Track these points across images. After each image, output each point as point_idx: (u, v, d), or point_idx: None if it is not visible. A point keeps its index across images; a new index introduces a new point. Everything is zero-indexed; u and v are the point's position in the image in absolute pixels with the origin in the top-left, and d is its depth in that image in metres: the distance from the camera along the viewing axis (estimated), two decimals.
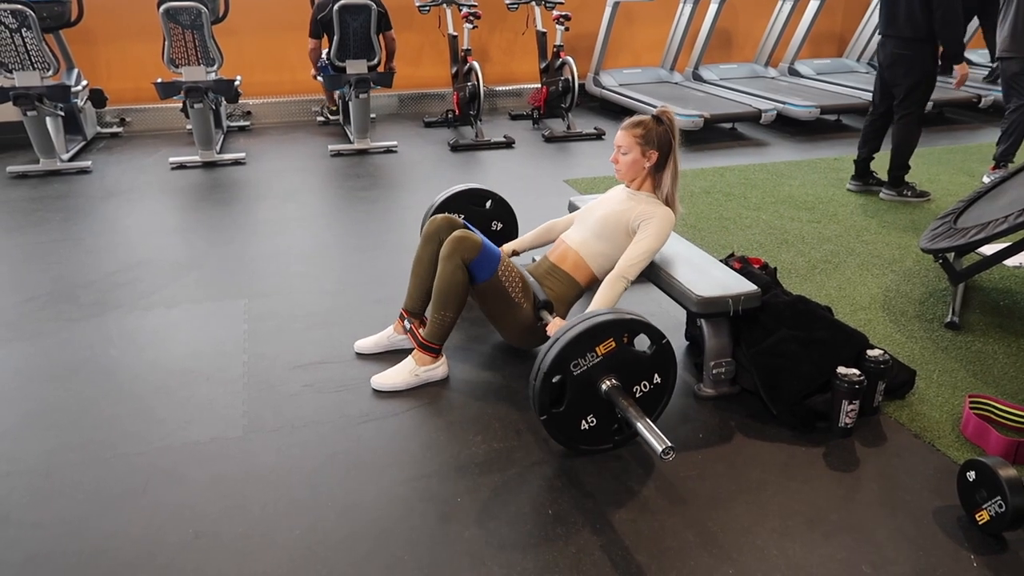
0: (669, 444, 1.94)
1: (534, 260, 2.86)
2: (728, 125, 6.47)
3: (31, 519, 2.01)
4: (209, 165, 5.47)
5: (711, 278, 2.58)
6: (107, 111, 6.45)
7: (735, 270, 2.74)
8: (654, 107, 6.13)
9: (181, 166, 5.44)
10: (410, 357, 2.63)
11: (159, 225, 4.25)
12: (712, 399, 2.56)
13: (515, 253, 3.01)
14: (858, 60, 8.08)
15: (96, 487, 2.13)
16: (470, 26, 6.18)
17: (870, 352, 2.40)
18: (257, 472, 2.19)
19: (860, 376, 2.29)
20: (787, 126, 6.50)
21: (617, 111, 7.12)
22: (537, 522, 1.99)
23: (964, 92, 6.76)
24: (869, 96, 6.50)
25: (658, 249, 2.61)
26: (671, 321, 3.00)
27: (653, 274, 2.72)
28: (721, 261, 2.82)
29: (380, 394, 2.58)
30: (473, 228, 2.70)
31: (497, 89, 7.58)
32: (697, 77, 7.57)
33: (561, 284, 2.68)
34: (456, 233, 2.50)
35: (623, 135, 2.65)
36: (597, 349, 2.14)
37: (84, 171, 5.29)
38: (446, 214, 2.81)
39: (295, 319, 3.10)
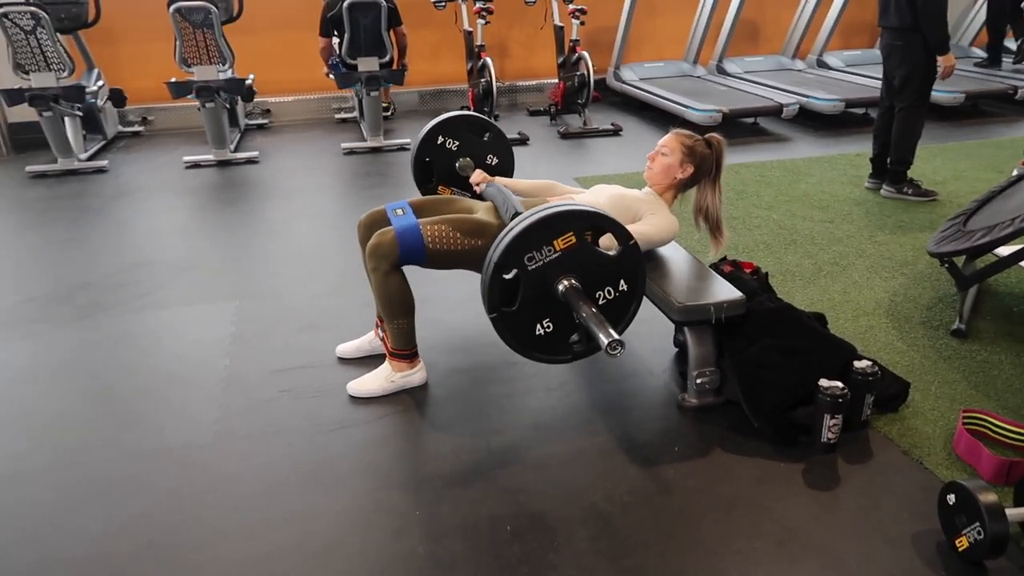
0: (616, 337, 1.80)
1: None
2: (750, 120, 6.31)
3: None
4: (223, 164, 5.51)
5: (694, 284, 2.49)
6: (131, 110, 6.56)
7: (724, 274, 2.64)
8: (675, 102, 6.06)
9: (195, 165, 5.49)
10: (386, 363, 2.59)
11: (165, 225, 4.28)
12: (695, 409, 2.47)
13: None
14: None
15: (59, 493, 2.13)
16: (483, 22, 6.11)
17: (857, 363, 2.29)
18: (220, 480, 2.17)
19: (843, 389, 2.18)
20: (811, 120, 6.31)
21: (637, 106, 7.00)
22: (493, 539, 1.94)
23: (999, 83, 6.50)
24: None
25: (652, 240, 2.50)
26: (664, 326, 2.90)
27: None
28: (711, 266, 2.73)
29: (356, 400, 2.55)
30: (393, 209, 2.56)
31: (517, 84, 7.51)
32: (721, 70, 7.40)
33: None
34: (369, 244, 2.39)
35: (671, 138, 2.60)
36: (555, 243, 1.95)
37: (100, 170, 5.37)
38: (367, 213, 2.66)
39: (283, 322, 3.09)
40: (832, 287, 3.28)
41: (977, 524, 1.78)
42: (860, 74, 7.09)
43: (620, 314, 2.12)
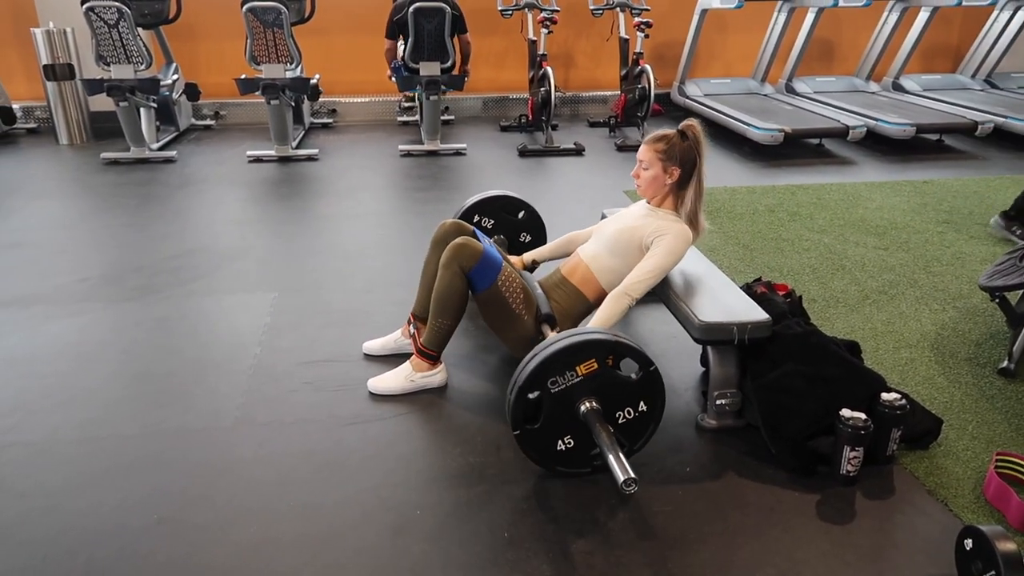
0: (632, 476, 1.85)
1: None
2: (815, 141, 6.14)
3: (18, 488, 2.12)
4: (284, 160, 5.67)
5: (720, 303, 2.43)
6: (204, 104, 6.82)
7: (756, 295, 2.58)
8: (737, 119, 5.96)
9: (258, 159, 5.67)
10: (408, 362, 2.62)
11: (220, 215, 4.43)
12: (714, 431, 2.42)
13: (534, 263, 2.95)
14: (973, 77, 7.49)
15: (84, 464, 2.23)
16: (546, 31, 6.13)
17: (885, 395, 2.20)
18: (233, 465, 2.23)
19: (866, 420, 2.10)
20: (880, 144, 6.10)
21: (701, 122, 6.88)
22: (490, 544, 1.93)
23: None
24: (977, 116, 6.08)
25: (669, 267, 2.49)
26: (693, 345, 2.85)
27: (663, 294, 2.60)
28: (744, 286, 2.66)
29: (375, 397, 2.58)
30: (482, 235, 2.67)
31: (581, 95, 7.50)
32: (790, 89, 7.24)
33: (568, 297, 2.60)
34: (457, 240, 2.47)
35: (645, 149, 2.55)
36: (578, 369, 2.06)
37: (169, 160, 5.60)
38: (456, 219, 2.79)
39: (316, 315, 3.16)
40: (876, 316, 3.16)
41: (993, 572, 1.68)
42: (937, 99, 6.83)
43: (639, 433, 2.20)
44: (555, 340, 2.07)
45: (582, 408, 2.07)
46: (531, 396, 2.06)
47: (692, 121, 2.55)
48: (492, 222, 3.22)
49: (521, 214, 3.26)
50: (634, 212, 2.64)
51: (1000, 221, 4.14)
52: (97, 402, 2.54)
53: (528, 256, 2.95)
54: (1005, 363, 2.75)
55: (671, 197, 2.58)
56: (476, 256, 2.43)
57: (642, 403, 2.15)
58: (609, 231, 2.61)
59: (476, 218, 3.17)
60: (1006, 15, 7.06)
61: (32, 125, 6.53)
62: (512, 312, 2.49)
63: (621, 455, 1.92)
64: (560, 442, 2.13)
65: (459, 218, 3.10)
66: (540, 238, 3.29)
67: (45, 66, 5.91)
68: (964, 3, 6.48)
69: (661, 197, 2.57)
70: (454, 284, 2.45)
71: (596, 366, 2.07)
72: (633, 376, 2.13)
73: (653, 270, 2.45)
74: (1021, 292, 2.87)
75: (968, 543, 1.77)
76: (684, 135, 2.51)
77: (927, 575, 1.85)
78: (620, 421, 2.14)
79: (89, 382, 2.66)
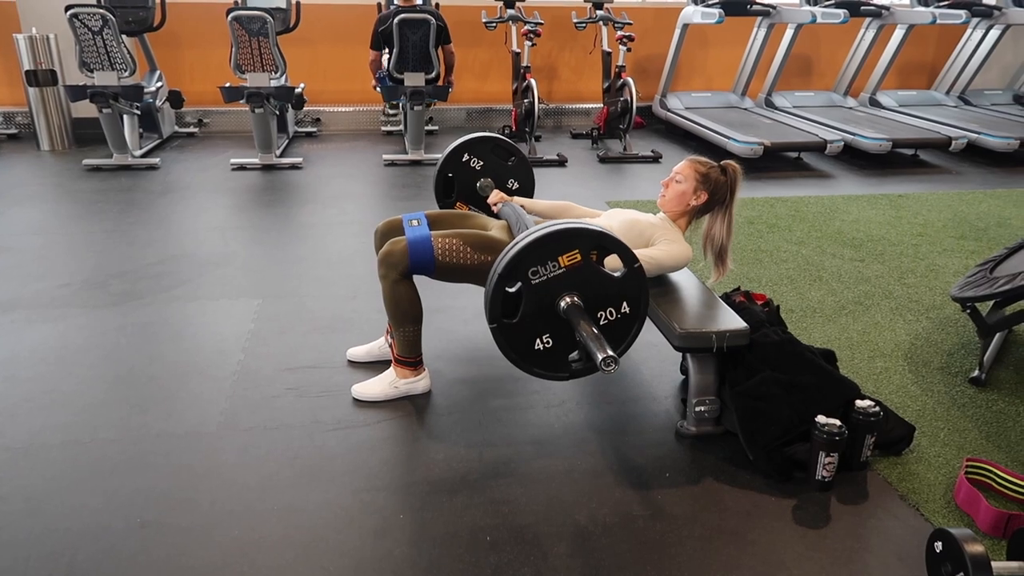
0: (611, 354, 1.83)
1: None
2: (793, 154, 6.25)
3: (0, 492, 2.11)
4: (267, 168, 5.68)
5: (699, 312, 2.48)
6: (188, 112, 6.81)
7: (735, 304, 2.63)
8: (718, 132, 6.04)
9: (241, 167, 5.67)
10: (391, 368, 2.64)
11: (204, 222, 4.43)
12: (693, 437, 2.46)
13: (523, 208, 2.83)
14: (947, 93, 7.66)
15: (66, 468, 2.22)
16: (530, 43, 6.20)
17: (859, 403, 2.25)
18: (217, 469, 2.24)
19: (840, 427, 2.15)
20: (857, 158, 6.22)
21: (681, 135, 6.99)
22: (471, 548, 1.95)
23: None
24: (952, 131, 6.21)
25: (662, 265, 2.52)
26: (671, 353, 2.89)
27: None
28: (723, 295, 2.72)
29: (358, 403, 2.60)
30: (409, 219, 2.60)
31: (564, 107, 7.57)
32: (769, 104, 7.36)
33: None
34: (380, 252, 2.45)
35: (686, 165, 2.60)
36: (560, 259, 1.98)
37: (152, 167, 5.59)
38: (383, 221, 2.72)
39: (300, 322, 3.17)
40: (852, 326, 3.23)
41: (961, 574, 1.73)
42: (912, 115, 6.97)
43: (621, 335, 2.13)
44: (538, 228, 2.01)
45: (563, 303, 2.00)
46: (510, 288, 2.00)
47: (734, 163, 2.61)
48: (481, 163, 3.10)
49: (511, 160, 3.14)
50: (650, 215, 2.66)
51: None
52: (79, 406, 2.54)
53: (519, 200, 2.85)
54: (976, 372, 2.82)
55: (686, 218, 2.63)
56: (404, 253, 2.40)
57: (625, 304, 2.08)
58: (623, 217, 2.62)
59: (465, 156, 3.06)
60: (979, 33, 7.24)
61: (13, 131, 6.49)
62: (470, 266, 2.44)
63: (602, 339, 1.89)
64: (539, 340, 2.05)
65: (447, 158, 3.03)
66: (527, 187, 3.18)
67: (27, 72, 5.88)
68: (938, 21, 6.63)
69: (678, 214, 2.61)
70: (398, 291, 2.45)
71: (579, 258, 2.00)
72: (616, 275, 2.07)
73: (650, 258, 2.43)
74: (991, 303, 2.94)
75: (938, 546, 1.82)
76: (724, 171, 2.59)
77: None
78: (602, 322, 2.07)
79: (71, 386, 2.66)
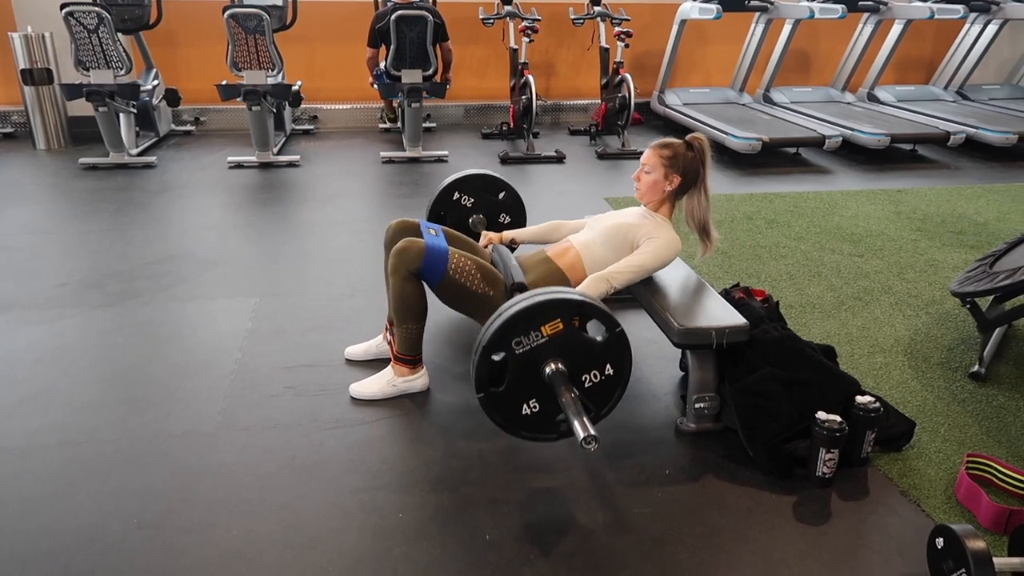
0: (592, 433, 1.83)
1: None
2: (792, 150, 6.23)
3: None
4: (265, 166, 5.66)
5: (698, 308, 2.47)
6: (184, 110, 6.78)
7: (734, 300, 2.62)
8: (716, 128, 6.03)
9: (239, 165, 5.65)
10: (389, 367, 2.63)
11: (201, 221, 4.42)
12: (693, 434, 2.45)
13: (513, 242, 2.92)
14: (945, 88, 7.64)
15: (63, 469, 2.21)
16: (527, 40, 6.18)
17: (859, 398, 2.24)
18: (215, 469, 2.23)
19: (840, 423, 2.14)
20: (856, 154, 6.20)
21: (680, 131, 6.94)
22: (471, 546, 1.95)
23: None
24: (950, 126, 6.20)
25: (651, 269, 2.52)
26: (672, 349, 2.88)
27: (643, 299, 2.64)
28: (722, 291, 2.70)
29: (356, 402, 2.59)
30: (426, 226, 2.65)
31: (562, 103, 7.55)
32: (767, 99, 7.34)
33: (548, 275, 2.58)
34: (398, 245, 2.45)
35: (650, 154, 2.59)
36: (543, 329, 2.00)
37: (149, 166, 5.57)
38: (400, 219, 2.73)
39: (298, 321, 3.16)
40: (852, 322, 3.22)
41: (963, 570, 1.72)
42: (911, 110, 6.96)
43: (605, 397, 2.14)
44: (520, 299, 2.02)
45: (547, 370, 2.01)
46: (495, 358, 2.02)
47: (699, 134, 2.60)
48: (472, 200, 3.16)
49: (502, 195, 3.21)
50: (631, 212, 2.67)
51: None
52: (76, 406, 2.53)
53: (508, 235, 2.91)
54: (976, 367, 2.81)
55: (667, 204, 2.62)
56: (420, 254, 2.41)
57: (608, 366, 2.09)
58: (604, 224, 2.64)
59: (455, 195, 3.12)
60: (977, 28, 7.23)
61: (9, 130, 6.46)
62: (474, 293, 2.46)
63: (583, 413, 1.90)
64: (526, 406, 2.06)
65: (438, 197, 3.08)
66: (519, 220, 3.25)
67: (23, 70, 5.85)
68: (936, 16, 6.61)
69: (658, 202, 2.61)
70: (407, 288, 2.45)
71: (561, 326, 2.01)
72: (599, 338, 2.08)
73: (637, 267, 2.48)
74: (991, 298, 2.93)
75: (939, 542, 1.81)
76: (690, 146, 2.57)
77: (900, 574, 1.89)
78: (586, 385, 2.09)
79: (67, 387, 2.65)
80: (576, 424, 1.87)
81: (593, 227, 2.68)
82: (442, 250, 2.46)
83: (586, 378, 2.08)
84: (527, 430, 2.11)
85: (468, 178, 3.15)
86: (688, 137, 2.59)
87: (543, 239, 2.92)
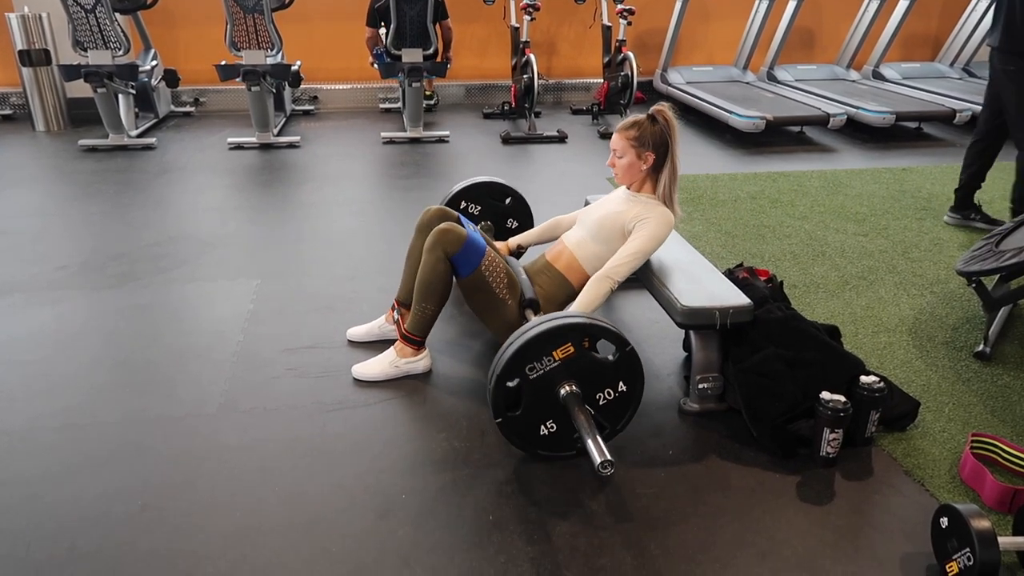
0: (608, 458, 1.87)
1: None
2: (796, 128, 6.18)
3: None
4: (265, 147, 5.62)
5: (701, 288, 2.45)
6: (184, 91, 6.73)
7: (738, 280, 2.60)
8: (719, 107, 5.98)
9: (239, 147, 5.62)
10: (392, 348, 2.62)
11: (201, 203, 4.39)
12: (696, 415, 2.44)
13: (519, 248, 2.96)
14: (951, 65, 7.57)
15: (65, 452, 2.21)
16: (529, 18, 6.11)
17: (864, 378, 2.23)
18: (218, 452, 2.23)
19: (845, 403, 2.13)
20: (860, 132, 6.15)
21: (682, 109, 6.86)
22: (474, 527, 1.95)
23: None
24: (956, 104, 6.14)
25: (650, 251, 2.51)
26: (675, 330, 2.87)
27: (646, 279, 2.62)
28: (726, 271, 2.69)
29: (359, 383, 2.58)
30: (466, 221, 2.67)
31: (564, 82, 7.49)
32: (771, 77, 7.27)
33: (552, 283, 2.61)
34: (441, 225, 2.46)
35: (617, 138, 2.55)
36: (554, 353, 2.06)
37: (148, 147, 5.54)
38: (440, 206, 2.78)
39: (300, 302, 3.15)
40: (856, 301, 3.20)
41: (968, 550, 1.72)
42: (916, 87, 6.89)
43: (619, 414, 2.20)
44: (530, 327, 2.08)
45: (562, 392, 2.08)
46: (510, 384, 2.07)
47: (662, 105, 2.56)
48: (479, 208, 3.22)
49: (508, 200, 3.26)
50: (616, 198, 2.65)
51: (953, 215, 4.18)
52: (78, 390, 2.52)
53: (513, 241, 2.96)
54: (981, 347, 2.80)
55: (649, 182, 2.59)
56: (460, 241, 2.43)
57: (621, 384, 2.15)
58: (593, 218, 2.62)
59: (462, 204, 3.17)
60: (983, 4, 7.13)
61: (8, 112, 6.42)
62: (496, 297, 2.49)
63: (598, 437, 1.94)
64: (543, 427, 2.14)
65: (445, 205, 3.10)
66: (526, 224, 3.30)
67: (20, 52, 5.81)
68: None
69: (639, 183, 2.59)
70: (438, 269, 2.45)
71: (573, 350, 2.08)
72: (610, 357, 2.13)
73: (635, 253, 2.47)
74: (997, 277, 2.91)
75: (944, 521, 1.81)
76: (654, 119, 2.52)
77: (904, 553, 1.88)
78: (600, 403, 2.15)
79: (69, 370, 2.64)
80: (592, 448, 1.90)
81: (583, 222, 2.67)
82: (481, 244, 2.49)
83: (600, 396, 2.15)
84: (546, 449, 2.17)
85: (473, 186, 3.19)
86: (652, 110, 2.53)
87: (546, 238, 2.95)
